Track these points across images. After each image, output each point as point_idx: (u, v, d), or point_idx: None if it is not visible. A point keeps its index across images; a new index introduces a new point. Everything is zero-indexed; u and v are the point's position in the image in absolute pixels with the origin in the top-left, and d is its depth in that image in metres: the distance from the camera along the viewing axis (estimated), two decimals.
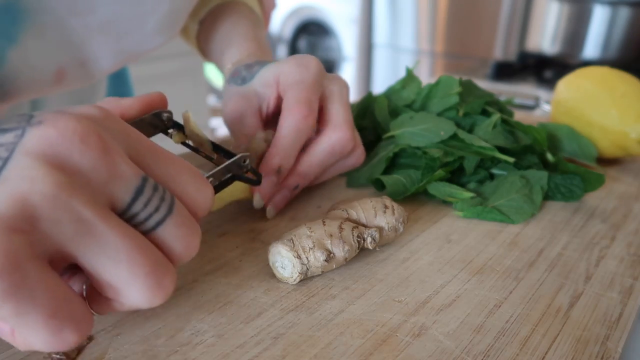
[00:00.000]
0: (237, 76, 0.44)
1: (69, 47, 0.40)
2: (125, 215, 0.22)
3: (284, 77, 0.40)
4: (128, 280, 0.21)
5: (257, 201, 0.37)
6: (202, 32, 0.56)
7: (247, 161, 0.33)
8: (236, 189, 0.37)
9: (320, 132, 0.40)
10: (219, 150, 0.34)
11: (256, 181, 0.35)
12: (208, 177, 0.30)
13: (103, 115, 0.23)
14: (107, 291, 0.21)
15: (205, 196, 0.25)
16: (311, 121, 0.38)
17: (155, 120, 0.33)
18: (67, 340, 0.20)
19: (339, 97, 0.41)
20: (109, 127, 0.22)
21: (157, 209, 0.22)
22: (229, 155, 0.34)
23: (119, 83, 0.64)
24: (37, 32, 0.38)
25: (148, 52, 0.46)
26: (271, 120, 0.42)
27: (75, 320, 0.20)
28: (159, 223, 0.22)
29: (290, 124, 0.37)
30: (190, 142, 0.35)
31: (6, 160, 0.19)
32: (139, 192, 0.22)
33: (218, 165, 0.33)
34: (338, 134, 0.39)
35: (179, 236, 0.23)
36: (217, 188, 0.31)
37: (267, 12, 0.61)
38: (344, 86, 0.42)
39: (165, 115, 0.33)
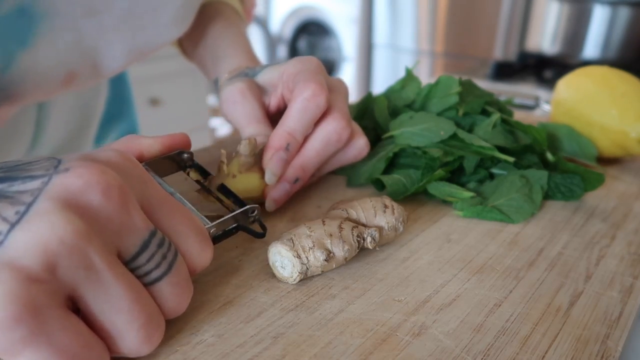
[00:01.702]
0: (240, 73, 0.44)
1: (82, 50, 0.40)
2: (129, 266, 0.23)
3: (288, 72, 0.40)
4: (123, 329, 0.22)
5: (270, 205, 0.38)
6: (186, 33, 0.55)
7: (256, 212, 0.33)
8: (252, 188, 0.37)
9: (316, 124, 0.40)
10: (230, 195, 0.34)
11: (261, 234, 0.34)
12: (211, 227, 0.30)
13: (126, 164, 0.24)
14: (102, 335, 0.22)
15: (205, 258, 0.26)
16: (322, 100, 0.37)
17: (176, 158, 0.33)
18: None
19: (337, 90, 0.41)
20: (130, 175, 0.24)
21: (157, 266, 0.23)
22: (240, 202, 0.34)
23: (117, 82, 0.65)
24: (51, 35, 0.37)
25: (161, 46, 0.46)
26: (271, 119, 0.42)
27: None
28: (156, 279, 0.23)
29: (300, 101, 0.37)
30: (205, 183, 0.35)
31: (29, 205, 0.20)
32: (144, 247, 0.23)
33: (227, 208, 0.34)
34: (332, 124, 0.39)
35: (171, 294, 0.24)
36: (220, 237, 0.31)
37: (249, 11, 0.61)
38: (344, 85, 0.42)
39: (186, 155, 0.34)
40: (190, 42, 0.56)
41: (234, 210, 0.32)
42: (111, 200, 0.21)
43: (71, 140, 0.54)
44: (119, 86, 0.65)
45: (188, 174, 0.35)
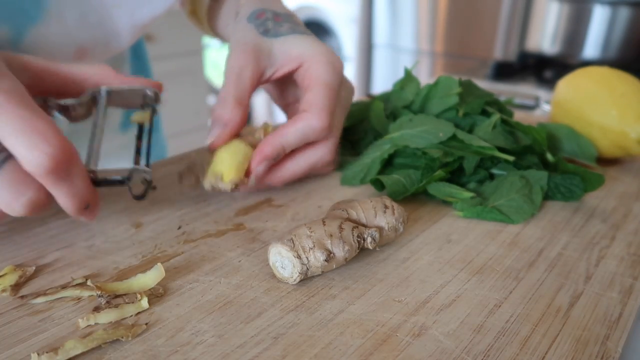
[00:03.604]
0: (262, 21, 0.42)
1: (88, 26, 0.43)
2: None
3: (311, 68, 0.40)
4: None
5: (252, 182, 0.39)
6: (212, 7, 0.56)
7: (148, 176, 0.34)
8: (233, 170, 0.37)
9: (300, 115, 0.39)
10: (142, 152, 0.36)
11: (138, 196, 0.34)
12: (92, 171, 0.32)
13: None
14: None
15: (36, 156, 0.28)
16: (324, 134, 0.39)
17: (140, 92, 0.35)
18: None
19: (341, 103, 0.42)
20: None
21: None
22: (146, 162, 0.35)
23: (139, 64, 0.66)
24: (58, 11, 0.41)
25: (160, 16, 0.48)
26: (270, 83, 0.43)
27: None
28: None
29: (305, 126, 0.38)
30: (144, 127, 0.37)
31: None
32: None
33: (135, 162, 0.35)
34: (324, 152, 0.41)
35: None
36: (101, 183, 0.32)
37: None
38: (352, 93, 0.44)
39: (149, 92, 0.35)
40: (215, 11, 0.56)
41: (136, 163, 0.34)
42: None
43: None
44: (140, 65, 0.67)
45: (141, 108, 0.36)
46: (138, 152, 0.35)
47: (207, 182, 0.37)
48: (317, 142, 0.41)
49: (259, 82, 0.41)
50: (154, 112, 0.36)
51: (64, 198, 0.30)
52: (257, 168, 0.38)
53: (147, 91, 0.35)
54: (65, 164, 0.29)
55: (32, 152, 0.28)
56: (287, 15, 0.43)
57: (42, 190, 0.30)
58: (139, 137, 0.36)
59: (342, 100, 0.42)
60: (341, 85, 0.42)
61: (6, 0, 0.39)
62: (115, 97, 0.34)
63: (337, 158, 0.45)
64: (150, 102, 0.36)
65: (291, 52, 0.41)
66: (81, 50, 0.45)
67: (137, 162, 0.35)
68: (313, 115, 0.38)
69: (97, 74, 0.35)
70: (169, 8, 0.48)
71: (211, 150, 0.39)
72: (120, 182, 0.33)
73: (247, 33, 0.42)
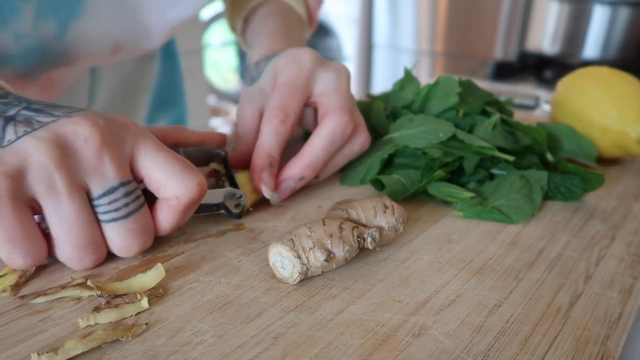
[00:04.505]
0: (249, 76, 0.46)
1: (123, 23, 0.46)
2: (92, 202, 0.29)
3: (277, 76, 0.42)
4: (62, 241, 0.28)
5: (268, 193, 0.39)
6: (245, 29, 0.59)
7: (242, 197, 0.37)
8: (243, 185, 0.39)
9: (319, 123, 0.41)
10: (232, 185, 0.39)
11: (236, 214, 0.36)
12: None
13: (127, 124, 0.30)
14: (48, 237, 0.28)
15: (191, 187, 0.30)
16: (288, 124, 0.40)
17: (212, 151, 0.39)
18: (15, 263, 0.27)
19: (333, 89, 0.42)
20: (125, 132, 0.29)
21: (116, 210, 0.29)
22: (235, 187, 0.38)
23: (170, 70, 0.68)
24: (95, 8, 0.44)
25: (191, 17, 0.50)
26: None
27: (25, 252, 0.27)
28: (110, 220, 0.29)
29: (269, 129, 0.40)
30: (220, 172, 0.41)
31: (34, 130, 0.27)
32: (110, 192, 0.28)
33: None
34: (335, 120, 0.40)
35: (120, 236, 0.29)
36: (201, 208, 0.34)
37: (313, 10, 0.62)
38: (342, 76, 0.43)
39: (219, 151, 0.40)
40: (245, 36, 0.60)
41: (226, 192, 0.36)
42: (89, 147, 0.27)
43: (117, 108, 0.60)
44: (172, 74, 0.68)
45: (208, 164, 0.39)
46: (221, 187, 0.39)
47: None
48: (326, 116, 0.41)
49: (262, 117, 0.44)
50: (226, 164, 0.40)
51: (176, 224, 0.32)
52: (264, 178, 0.38)
53: (217, 150, 0.39)
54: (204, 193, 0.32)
55: (186, 184, 0.30)
56: (267, 57, 0.46)
57: (153, 234, 0.32)
58: (217, 180, 0.40)
59: (329, 87, 0.42)
60: (319, 68, 0.42)
61: None
62: (188, 155, 0.37)
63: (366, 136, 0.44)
64: (219, 159, 0.40)
65: (269, 75, 0.44)
66: (117, 45, 0.47)
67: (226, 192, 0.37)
68: (270, 116, 0.40)
69: (176, 132, 0.38)
70: (199, 10, 0.50)
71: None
72: (217, 208, 0.35)
73: (242, 94, 0.46)
